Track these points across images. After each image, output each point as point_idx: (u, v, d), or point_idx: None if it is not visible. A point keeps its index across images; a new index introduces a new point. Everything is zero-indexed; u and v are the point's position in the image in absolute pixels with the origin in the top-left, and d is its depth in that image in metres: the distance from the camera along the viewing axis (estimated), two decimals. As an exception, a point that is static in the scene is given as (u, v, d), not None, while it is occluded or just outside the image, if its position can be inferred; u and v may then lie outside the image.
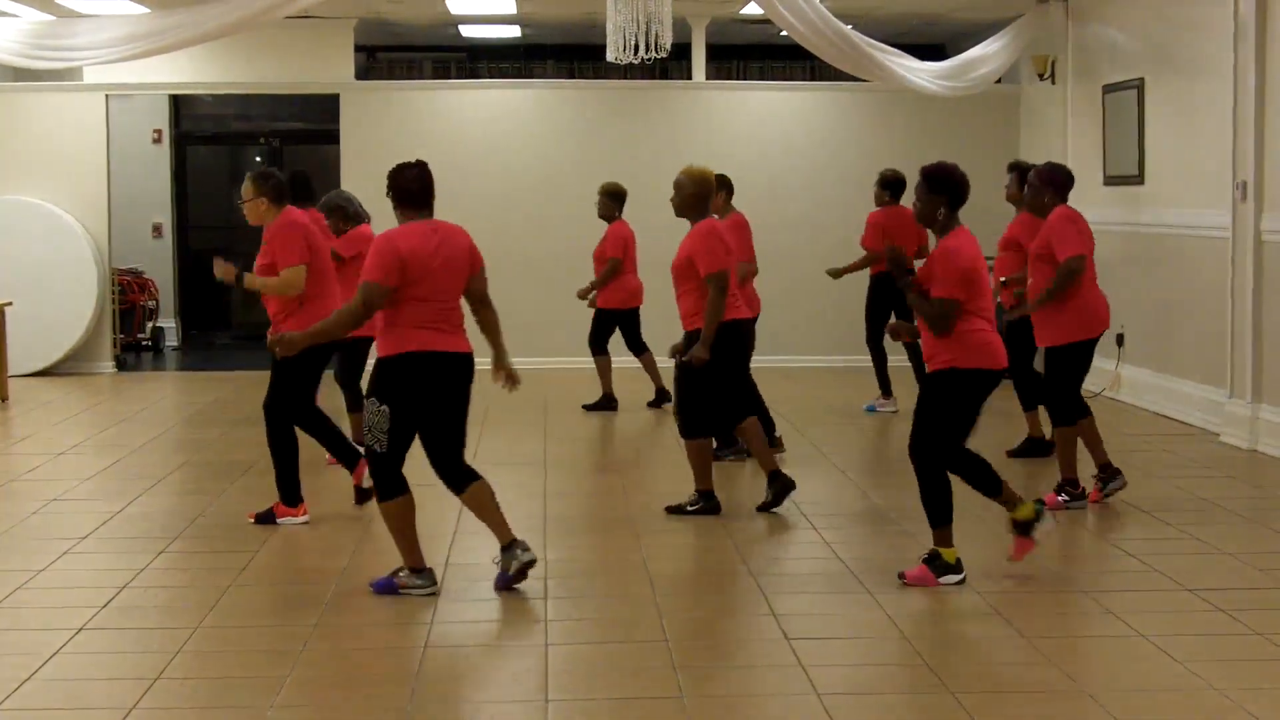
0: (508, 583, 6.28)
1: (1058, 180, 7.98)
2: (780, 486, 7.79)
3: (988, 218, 10.09)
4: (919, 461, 6.40)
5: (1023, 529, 6.41)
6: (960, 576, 6.35)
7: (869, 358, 11.12)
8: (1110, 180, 12.05)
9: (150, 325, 15.91)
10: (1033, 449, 9.29)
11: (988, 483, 6.41)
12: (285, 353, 6.33)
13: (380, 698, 5.06)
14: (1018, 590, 6.35)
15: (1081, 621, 5.98)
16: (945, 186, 6.42)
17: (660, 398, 11.29)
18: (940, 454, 6.36)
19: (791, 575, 6.57)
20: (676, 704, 4.95)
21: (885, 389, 11.10)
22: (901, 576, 6.32)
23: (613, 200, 11.25)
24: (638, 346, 11.32)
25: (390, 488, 6.19)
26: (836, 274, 11.12)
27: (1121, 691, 5.02)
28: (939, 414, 6.37)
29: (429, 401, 6.17)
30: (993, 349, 6.36)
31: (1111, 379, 11.78)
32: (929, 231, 6.59)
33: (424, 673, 5.30)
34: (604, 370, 11.37)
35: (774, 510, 7.74)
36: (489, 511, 6.35)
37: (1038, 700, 5.02)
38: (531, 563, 6.31)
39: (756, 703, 5.01)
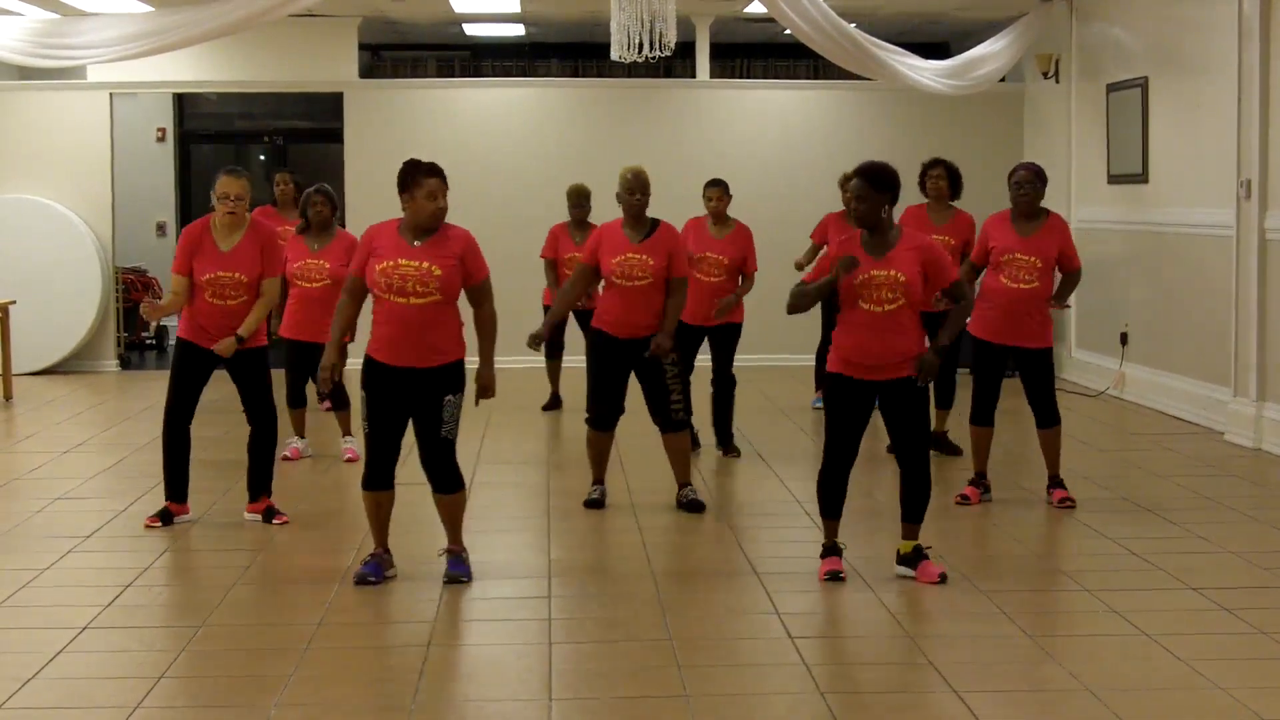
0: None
1: (1045, 179, 7.96)
2: (692, 505, 7.86)
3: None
4: (925, 460, 6.44)
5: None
6: None
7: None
8: (1114, 179, 12.05)
9: (154, 324, 15.92)
10: (940, 446, 9.31)
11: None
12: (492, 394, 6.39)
13: (384, 696, 5.06)
14: (1021, 589, 6.35)
15: (1085, 620, 5.97)
16: (890, 184, 6.33)
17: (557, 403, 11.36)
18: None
19: (795, 574, 6.56)
20: (680, 703, 4.95)
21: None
22: (944, 578, 6.35)
23: (589, 202, 11.10)
24: (561, 348, 11.33)
25: (458, 475, 6.43)
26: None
27: (1125, 690, 5.01)
28: (926, 412, 6.45)
29: None
30: None
31: (1115, 377, 11.78)
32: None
33: (427, 671, 5.30)
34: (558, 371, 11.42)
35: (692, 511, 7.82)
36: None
37: (1041, 699, 5.02)
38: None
39: (760, 702, 5.00)
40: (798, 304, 6.39)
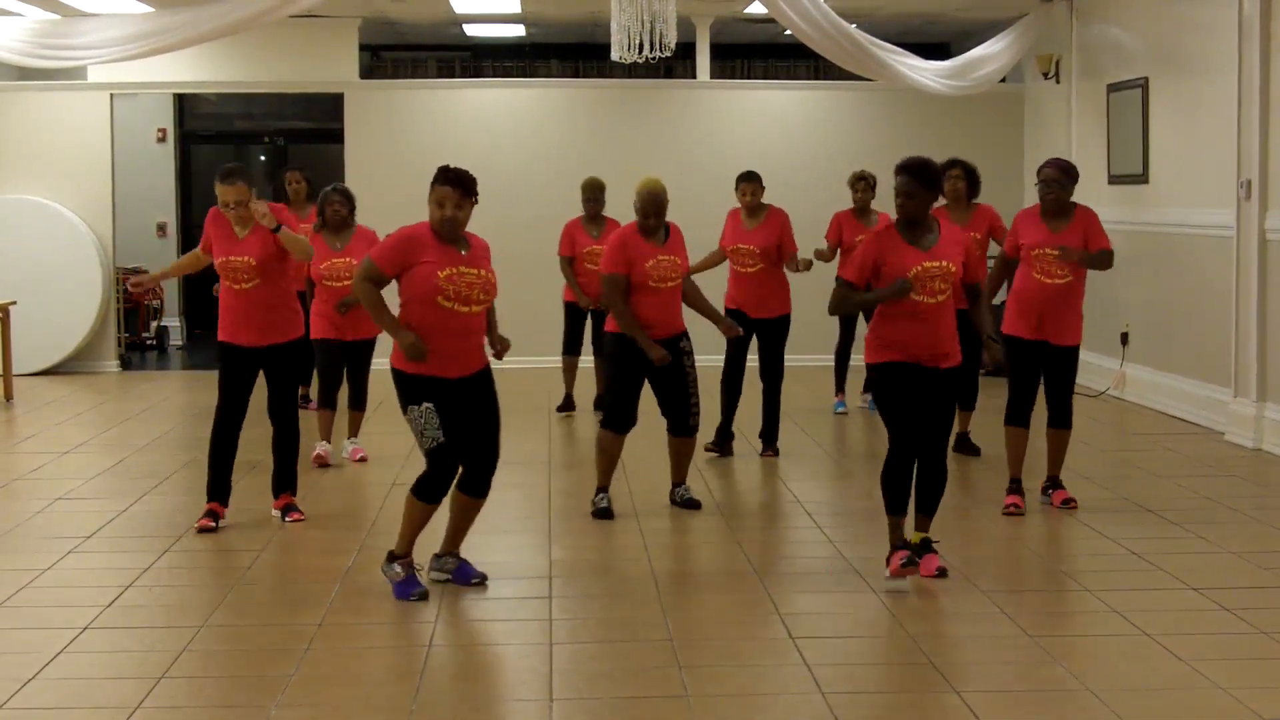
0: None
1: (1075, 176, 7.85)
2: (689, 502, 7.89)
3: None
4: (944, 454, 6.51)
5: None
6: None
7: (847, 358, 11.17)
8: (1115, 179, 12.05)
9: (155, 324, 15.93)
10: (962, 446, 9.38)
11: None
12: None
13: (384, 697, 5.06)
14: (1022, 589, 6.35)
15: (1086, 620, 5.97)
16: (936, 181, 6.39)
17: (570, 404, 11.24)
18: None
19: (796, 574, 6.57)
20: (681, 703, 4.95)
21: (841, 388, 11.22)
22: (943, 573, 6.37)
23: (603, 195, 10.95)
24: (580, 346, 11.21)
25: None
26: (826, 257, 11.10)
27: (1126, 690, 5.01)
28: (954, 408, 6.53)
29: None
30: None
31: (1116, 378, 11.78)
32: None
33: (428, 672, 5.30)
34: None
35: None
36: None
37: (1042, 699, 5.01)
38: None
39: (761, 702, 5.01)
40: (844, 309, 6.51)
